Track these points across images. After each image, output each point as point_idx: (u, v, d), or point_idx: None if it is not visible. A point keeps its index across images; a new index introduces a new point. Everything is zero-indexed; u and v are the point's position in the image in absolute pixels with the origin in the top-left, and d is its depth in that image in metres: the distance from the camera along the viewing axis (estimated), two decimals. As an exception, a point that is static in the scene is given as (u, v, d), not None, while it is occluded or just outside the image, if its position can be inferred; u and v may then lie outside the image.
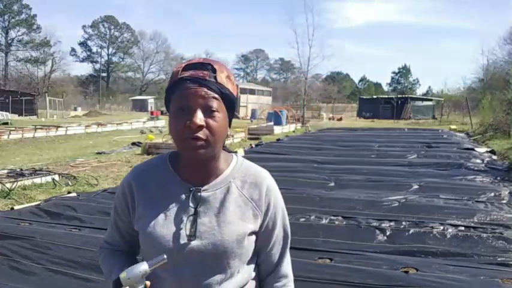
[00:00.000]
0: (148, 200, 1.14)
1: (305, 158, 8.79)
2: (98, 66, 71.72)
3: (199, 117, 1.03)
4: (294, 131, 20.71)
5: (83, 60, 71.91)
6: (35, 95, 37.65)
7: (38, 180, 6.77)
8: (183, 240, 1.08)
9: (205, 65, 1.08)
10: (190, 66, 1.08)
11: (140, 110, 46.69)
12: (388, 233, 3.76)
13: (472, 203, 4.74)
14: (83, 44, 70.93)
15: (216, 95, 1.06)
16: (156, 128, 21.34)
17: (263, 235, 1.17)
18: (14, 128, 17.31)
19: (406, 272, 2.86)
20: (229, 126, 1.13)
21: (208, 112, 1.05)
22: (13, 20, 58.96)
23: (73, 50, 70.53)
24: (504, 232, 3.66)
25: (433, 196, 5.11)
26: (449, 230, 3.74)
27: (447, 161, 8.24)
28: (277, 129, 19.52)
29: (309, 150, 10.34)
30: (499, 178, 6.48)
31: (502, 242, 3.49)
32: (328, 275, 2.76)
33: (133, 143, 13.60)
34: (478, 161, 8.36)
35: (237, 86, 1.18)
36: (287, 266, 1.24)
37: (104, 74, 71.89)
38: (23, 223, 4.11)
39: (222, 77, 1.08)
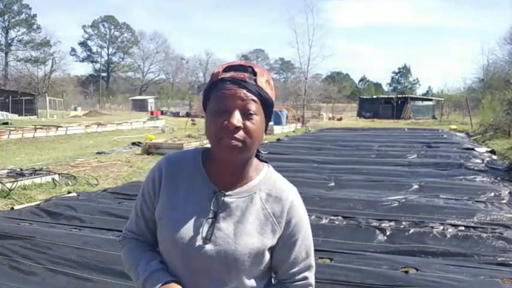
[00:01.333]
0: (173, 191, 1.13)
1: (305, 158, 8.79)
2: (98, 66, 71.71)
3: (237, 118, 1.02)
4: (294, 131, 20.71)
5: (83, 60, 71.89)
6: (35, 95, 37.60)
7: (38, 180, 6.77)
8: (198, 241, 1.07)
9: (246, 68, 1.07)
10: (230, 67, 1.08)
11: (140, 110, 46.64)
12: (388, 233, 3.77)
13: (472, 203, 4.74)
14: (83, 44, 70.92)
15: (255, 98, 1.05)
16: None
17: (281, 252, 1.14)
18: (14, 128, 17.29)
19: (406, 272, 2.86)
20: (265, 131, 1.11)
21: (247, 114, 1.04)
22: (13, 20, 58.90)
23: (73, 50, 70.54)
24: (504, 232, 3.67)
25: (433, 196, 5.12)
26: (449, 230, 3.74)
27: (447, 161, 8.24)
28: (277, 129, 19.51)
29: (309, 150, 10.35)
30: (499, 178, 6.49)
31: (502, 242, 3.49)
32: (328, 275, 2.76)
33: (133, 143, 13.60)
34: (478, 161, 8.37)
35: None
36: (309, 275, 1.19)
37: (104, 74, 71.84)
38: (23, 223, 4.12)
39: (262, 81, 1.07)
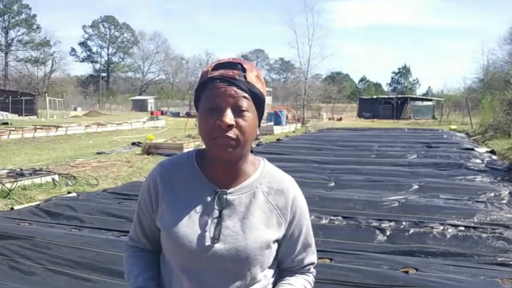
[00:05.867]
0: (172, 197, 1.13)
1: (305, 158, 8.79)
2: (98, 66, 71.73)
3: (229, 117, 1.02)
4: (294, 131, 20.71)
5: (83, 60, 71.91)
6: (35, 95, 37.59)
7: (38, 180, 6.77)
8: (207, 242, 1.07)
9: (235, 64, 1.07)
10: (220, 65, 1.08)
11: (140, 110, 46.62)
12: (388, 233, 3.77)
13: (472, 203, 4.74)
14: (83, 44, 70.95)
15: (246, 95, 1.05)
16: (157, 127, 21.32)
17: (288, 243, 1.18)
18: (14, 128, 17.27)
19: (406, 272, 2.86)
20: (259, 126, 1.12)
21: (238, 111, 1.04)
22: (13, 20, 58.88)
23: (73, 50, 70.59)
24: (504, 232, 3.66)
25: (433, 196, 5.12)
26: (449, 230, 3.74)
27: (447, 161, 8.24)
28: (277, 129, 19.51)
29: (309, 150, 10.35)
30: (499, 178, 6.48)
31: (502, 242, 3.49)
32: (328, 275, 2.76)
33: (133, 143, 13.59)
34: (478, 161, 8.36)
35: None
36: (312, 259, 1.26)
37: (104, 74, 71.84)
38: (23, 223, 4.12)
39: (251, 77, 1.07)
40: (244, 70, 1.06)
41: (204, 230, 1.08)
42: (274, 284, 1.19)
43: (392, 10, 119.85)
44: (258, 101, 1.08)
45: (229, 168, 1.10)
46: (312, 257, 1.24)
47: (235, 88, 1.04)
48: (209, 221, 1.08)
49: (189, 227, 1.08)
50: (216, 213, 1.08)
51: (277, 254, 1.17)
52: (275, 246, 1.14)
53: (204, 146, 1.12)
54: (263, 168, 1.17)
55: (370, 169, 7.20)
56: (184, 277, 1.09)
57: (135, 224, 1.23)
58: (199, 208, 1.10)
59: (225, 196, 1.10)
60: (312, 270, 1.26)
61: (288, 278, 1.20)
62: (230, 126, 1.02)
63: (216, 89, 1.04)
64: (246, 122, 1.04)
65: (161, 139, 13.45)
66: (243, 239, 1.08)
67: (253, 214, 1.10)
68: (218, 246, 1.07)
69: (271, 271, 1.17)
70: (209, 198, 1.10)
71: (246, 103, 1.05)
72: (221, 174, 1.11)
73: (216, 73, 1.06)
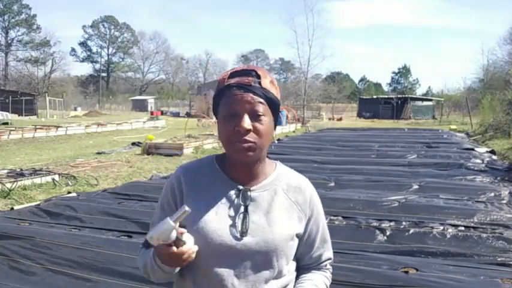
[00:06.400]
0: (198, 194, 1.17)
1: (305, 158, 8.79)
2: (98, 66, 71.70)
3: (247, 122, 1.08)
4: (294, 131, 20.70)
5: (83, 60, 71.90)
6: (35, 95, 37.58)
7: (38, 180, 6.77)
8: (236, 236, 1.12)
9: (250, 72, 1.13)
10: (235, 73, 1.14)
11: (140, 110, 46.61)
12: (388, 233, 3.76)
13: (472, 203, 4.74)
14: (83, 44, 70.94)
15: (262, 100, 1.11)
16: (156, 128, 21.30)
17: (307, 239, 1.24)
18: (14, 128, 17.28)
19: (406, 272, 2.86)
20: (274, 129, 1.18)
21: (255, 116, 1.10)
22: (13, 20, 58.89)
23: (73, 50, 70.58)
24: (504, 232, 3.66)
25: (433, 196, 5.12)
26: (449, 230, 3.74)
27: (447, 161, 8.24)
28: (277, 129, 19.14)
29: (309, 150, 10.35)
30: (499, 178, 6.48)
31: (502, 242, 3.49)
32: (328, 275, 2.75)
33: (133, 143, 13.59)
34: (478, 161, 8.36)
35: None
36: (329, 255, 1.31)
37: (104, 74, 71.82)
38: (23, 223, 4.11)
39: (266, 82, 1.13)
40: (258, 77, 1.12)
41: (232, 225, 1.13)
42: (294, 281, 1.23)
43: (392, 10, 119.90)
44: (273, 105, 1.15)
45: (250, 169, 1.17)
46: (328, 252, 1.30)
47: (251, 94, 1.10)
48: (236, 216, 1.14)
49: (218, 222, 1.13)
50: (242, 208, 1.14)
51: (296, 252, 1.22)
52: (296, 240, 1.20)
53: (222, 151, 1.19)
54: (280, 169, 1.24)
55: (370, 169, 7.20)
56: (211, 273, 1.12)
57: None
58: (225, 205, 1.15)
59: (248, 193, 1.16)
60: (329, 266, 1.32)
61: (307, 274, 1.26)
62: (248, 131, 1.09)
63: (233, 96, 1.10)
64: (262, 126, 1.11)
65: (161, 139, 13.44)
66: (269, 232, 1.13)
67: (275, 209, 1.17)
68: (247, 239, 1.12)
69: (294, 266, 1.23)
70: (233, 196, 1.16)
71: (262, 108, 1.11)
72: (242, 174, 1.17)
73: (233, 81, 1.12)
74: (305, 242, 1.23)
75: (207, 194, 1.17)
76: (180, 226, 1.10)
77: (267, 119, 1.12)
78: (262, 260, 1.13)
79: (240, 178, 1.17)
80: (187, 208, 1.02)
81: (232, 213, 1.14)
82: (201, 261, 1.12)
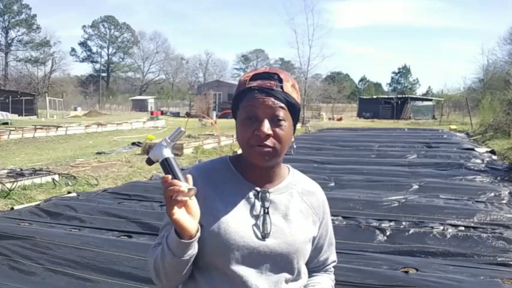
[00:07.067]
0: (215, 197, 1.14)
1: (305, 158, 8.78)
2: (98, 66, 71.71)
3: (267, 127, 1.06)
4: (294, 131, 20.68)
5: (83, 60, 71.92)
6: (35, 95, 37.58)
7: (38, 180, 6.77)
8: (258, 238, 1.10)
9: (272, 75, 1.11)
10: (257, 76, 1.11)
11: (140, 110, 46.63)
12: (388, 233, 3.77)
13: (472, 203, 4.74)
14: (83, 44, 70.96)
15: (283, 105, 1.09)
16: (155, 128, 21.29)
17: (317, 243, 1.24)
18: (14, 128, 17.27)
19: (406, 272, 2.86)
20: (294, 133, 1.16)
21: (275, 121, 1.08)
22: (13, 20, 58.91)
23: (73, 50, 70.58)
24: (504, 232, 3.66)
25: (433, 196, 5.12)
26: (449, 230, 3.74)
27: (447, 161, 8.24)
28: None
29: (309, 150, 10.34)
30: (499, 178, 6.49)
31: (502, 242, 3.49)
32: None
33: (133, 143, 13.59)
34: (478, 161, 8.37)
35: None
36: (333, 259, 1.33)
37: (104, 74, 71.83)
38: (23, 223, 4.12)
39: (287, 86, 1.10)
40: (280, 80, 1.10)
41: (253, 226, 1.11)
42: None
43: (393, 10, 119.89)
44: (294, 109, 1.12)
45: (266, 171, 1.15)
46: (334, 255, 1.32)
47: (272, 99, 1.07)
48: (256, 218, 1.12)
49: (239, 223, 1.10)
50: (262, 210, 1.13)
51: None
52: (311, 243, 1.20)
53: (239, 152, 1.18)
54: (294, 173, 1.24)
55: (370, 169, 7.20)
56: (233, 274, 1.09)
57: (168, 231, 1.11)
58: (244, 206, 1.13)
59: (267, 194, 1.14)
60: (332, 268, 1.33)
61: (314, 278, 1.26)
62: (268, 136, 1.07)
63: (254, 99, 1.08)
64: (282, 131, 1.09)
65: (161, 139, 13.44)
66: (289, 234, 1.13)
67: (293, 212, 1.16)
68: (270, 241, 1.10)
69: (306, 268, 1.23)
70: (252, 197, 1.14)
71: (282, 113, 1.09)
72: (259, 176, 1.15)
73: (254, 83, 1.09)
74: (315, 245, 1.23)
75: (225, 195, 1.14)
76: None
77: (287, 124, 1.10)
78: (283, 261, 1.12)
79: (256, 180, 1.15)
80: (182, 129, 1.05)
81: (252, 214, 1.12)
82: (220, 261, 1.09)
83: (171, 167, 1.04)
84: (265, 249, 1.10)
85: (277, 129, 1.08)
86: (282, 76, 1.11)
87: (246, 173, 1.16)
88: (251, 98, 1.08)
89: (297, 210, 1.17)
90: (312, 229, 1.19)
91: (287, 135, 1.10)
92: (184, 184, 1.01)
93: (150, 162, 1.11)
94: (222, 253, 1.09)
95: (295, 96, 1.12)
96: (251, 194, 1.14)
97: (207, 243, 1.10)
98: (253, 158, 1.10)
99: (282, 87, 1.09)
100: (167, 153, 1.07)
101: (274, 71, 1.12)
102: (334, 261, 1.33)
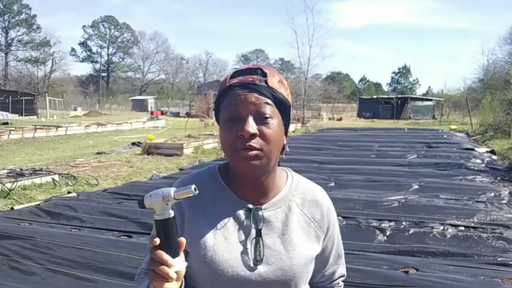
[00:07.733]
0: (202, 219, 1.01)
1: (305, 158, 8.78)
2: (98, 66, 71.73)
3: (251, 125, 0.93)
4: (294, 131, 20.68)
5: (83, 60, 71.95)
6: (35, 95, 37.59)
7: (38, 180, 6.77)
8: (249, 265, 0.98)
9: (254, 70, 0.99)
10: (237, 72, 1.00)
11: (140, 110, 46.62)
12: (388, 233, 3.77)
13: (472, 203, 4.74)
14: (83, 44, 70.98)
15: (269, 100, 0.95)
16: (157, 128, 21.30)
17: (321, 256, 1.10)
18: (14, 128, 17.27)
19: (406, 272, 2.86)
20: (286, 134, 1.03)
21: (261, 119, 0.95)
22: (13, 20, 58.92)
23: (73, 50, 70.62)
24: (504, 232, 3.66)
25: (433, 196, 5.12)
26: (449, 230, 3.74)
27: (447, 161, 8.24)
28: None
29: (309, 150, 10.34)
30: (499, 178, 6.48)
31: (502, 242, 3.49)
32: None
33: (133, 143, 13.59)
34: (478, 161, 8.36)
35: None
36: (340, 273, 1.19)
37: (104, 74, 71.84)
38: (23, 223, 4.12)
39: (273, 81, 0.98)
40: (264, 75, 0.98)
41: (244, 252, 0.98)
42: None
43: (393, 10, 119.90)
44: (283, 107, 0.99)
45: (258, 182, 1.01)
46: (342, 269, 1.18)
47: (256, 94, 0.95)
48: (248, 241, 0.99)
49: (227, 250, 0.98)
50: (253, 232, 1.00)
51: None
52: (314, 261, 1.07)
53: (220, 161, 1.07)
54: (292, 179, 1.09)
55: (370, 169, 7.19)
56: None
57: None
58: (234, 228, 1.00)
59: (260, 212, 1.01)
60: (341, 284, 1.19)
61: None
62: (253, 136, 0.93)
63: (235, 97, 0.95)
64: (270, 130, 0.95)
65: (161, 139, 13.43)
66: (287, 258, 1.00)
67: (291, 229, 1.02)
68: (262, 268, 0.98)
69: (309, 287, 1.11)
70: (243, 217, 1.01)
71: (269, 109, 0.95)
72: (250, 189, 1.02)
73: (235, 80, 0.97)
74: (318, 260, 1.08)
75: (213, 216, 1.01)
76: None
77: (275, 123, 0.96)
78: None
79: (247, 193, 1.01)
80: (193, 187, 0.85)
81: (242, 237, 0.99)
82: None
83: (169, 230, 0.87)
84: (258, 278, 0.97)
85: (264, 128, 0.94)
86: (266, 70, 0.98)
87: (236, 185, 1.02)
88: (232, 96, 0.95)
89: (297, 226, 1.03)
90: (315, 246, 1.05)
91: (276, 135, 0.96)
92: (176, 266, 0.85)
93: (142, 207, 0.90)
94: (210, 283, 0.98)
95: (284, 92, 0.99)
96: (242, 213, 1.01)
97: (195, 272, 1.00)
98: (240, 165, 0.96)
99: (266, 82, 0.96)
100: (169, 212, 0.87)
101: (256, 66, 0.99)
102: (343, 276, 1.18)
